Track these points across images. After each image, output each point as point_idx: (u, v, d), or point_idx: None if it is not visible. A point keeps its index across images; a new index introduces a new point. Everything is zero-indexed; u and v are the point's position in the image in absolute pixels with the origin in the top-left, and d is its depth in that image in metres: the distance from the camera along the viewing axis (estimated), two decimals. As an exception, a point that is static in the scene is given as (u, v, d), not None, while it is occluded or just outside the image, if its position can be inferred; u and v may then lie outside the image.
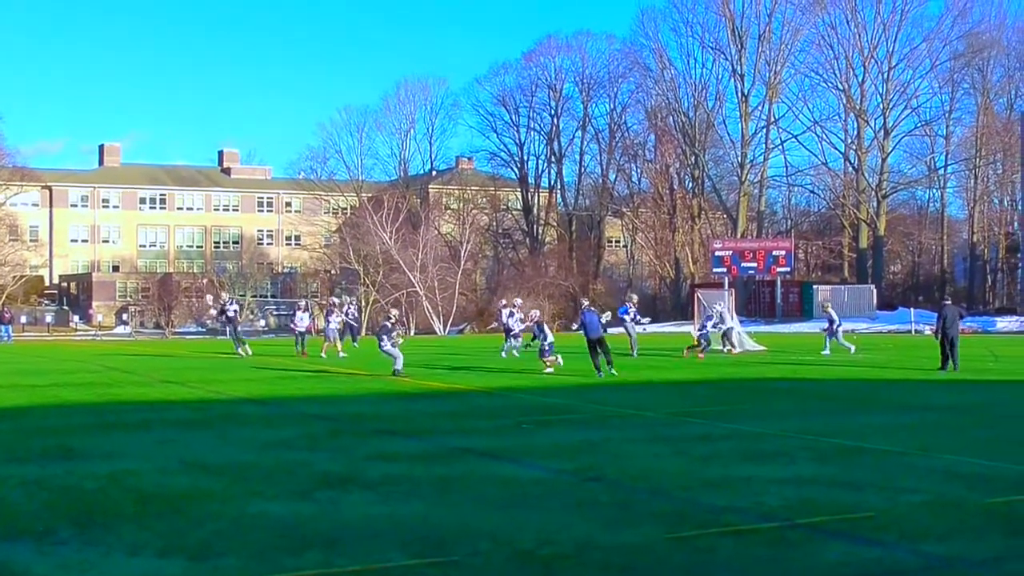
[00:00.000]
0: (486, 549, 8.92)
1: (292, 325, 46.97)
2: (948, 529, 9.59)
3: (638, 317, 38.55)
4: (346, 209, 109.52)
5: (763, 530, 9.57)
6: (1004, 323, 65.75)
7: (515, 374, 29.47)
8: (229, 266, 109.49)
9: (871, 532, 9.47)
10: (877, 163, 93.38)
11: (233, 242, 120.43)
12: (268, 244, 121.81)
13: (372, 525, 9.81)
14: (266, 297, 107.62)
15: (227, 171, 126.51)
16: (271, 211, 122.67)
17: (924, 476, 12.30)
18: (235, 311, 43.30)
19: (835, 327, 39.73)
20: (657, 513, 10.31)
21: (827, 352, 38.50)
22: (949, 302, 30.96)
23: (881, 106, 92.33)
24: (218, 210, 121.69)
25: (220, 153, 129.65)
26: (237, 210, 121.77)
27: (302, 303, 50.65)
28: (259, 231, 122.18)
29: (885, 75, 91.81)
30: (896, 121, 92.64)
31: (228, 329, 43.20)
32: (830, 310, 40.16)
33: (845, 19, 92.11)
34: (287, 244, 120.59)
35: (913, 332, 62.21)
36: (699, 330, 39.07)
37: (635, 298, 41.32)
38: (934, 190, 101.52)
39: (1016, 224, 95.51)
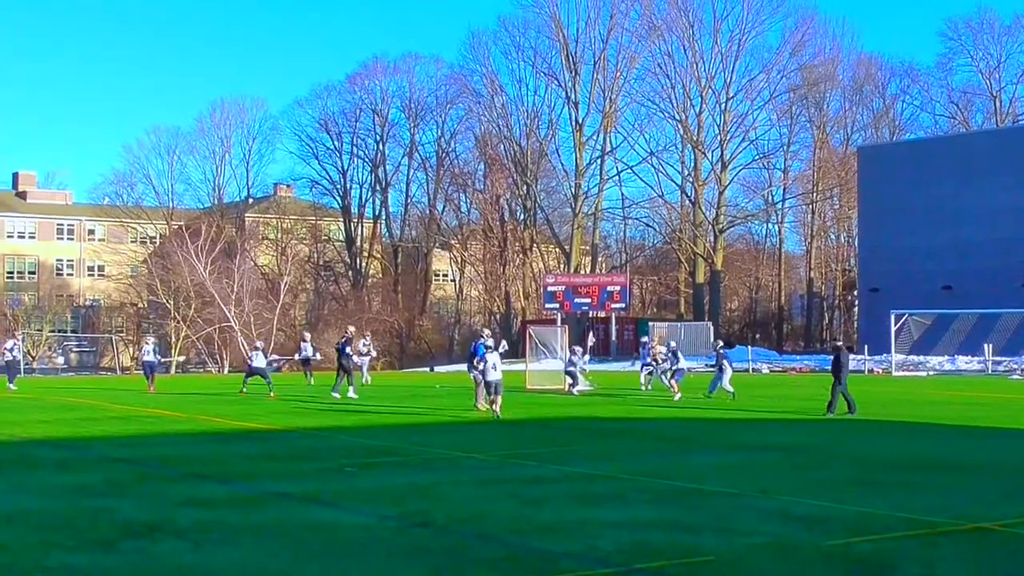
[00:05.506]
0: (306, 600, 8.84)
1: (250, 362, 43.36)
2: (788, 572, 9.81)
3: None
4: (155, 238, 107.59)
5: (599, 576, 9.67)
6: (841, 362, 67.25)
7: (336, 413, 29.23)
8: (25, 298, 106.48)
9: (709, 576, 9.64)
10: (714, 196, 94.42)
11: (29, 272, 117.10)
12: (69, 274, 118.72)
13: (183, 576, 9.64)
14: (66, 332, 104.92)
15: (23, 195, 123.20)
16: (72, 239, 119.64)
17: (762, 518, 12.56)
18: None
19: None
20: (488, 560, 10.33)
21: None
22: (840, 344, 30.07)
23: (719, 137, 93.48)
24: (12, 237, 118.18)
25: (15, 175, 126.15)
26: (34, 237, 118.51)
27: (259, 343, 44.47)
28: (59, 260, 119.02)
29: (723, 106, 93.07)
30: (734, 153, 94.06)
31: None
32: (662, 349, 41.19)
33: (682, 47, 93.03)
34: (90, 274, 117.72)
35: (751, 371, 63.49)
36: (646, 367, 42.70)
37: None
38: (772, 225, 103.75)
39: (853, 260, 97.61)
